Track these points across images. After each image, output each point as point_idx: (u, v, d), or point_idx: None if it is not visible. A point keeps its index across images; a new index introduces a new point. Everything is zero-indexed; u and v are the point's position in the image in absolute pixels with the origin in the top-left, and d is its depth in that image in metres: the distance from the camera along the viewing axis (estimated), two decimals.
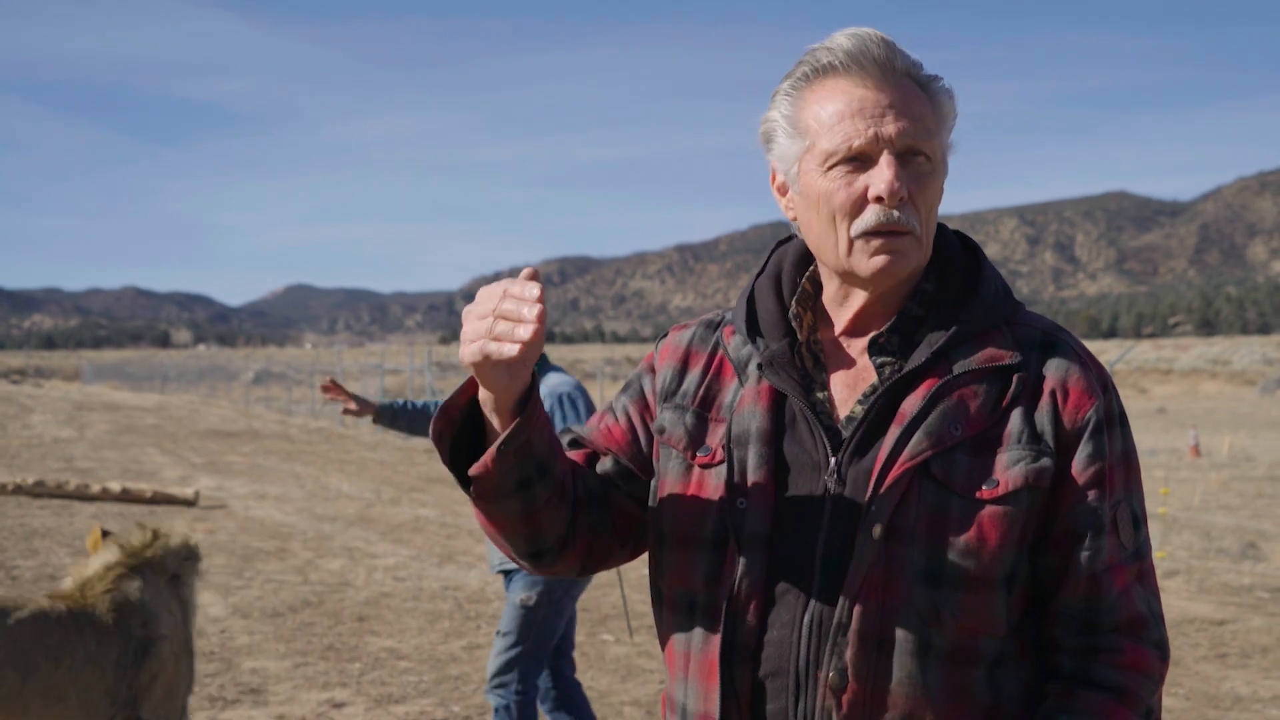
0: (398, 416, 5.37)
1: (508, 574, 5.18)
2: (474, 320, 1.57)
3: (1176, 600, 9.89)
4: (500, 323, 1.55)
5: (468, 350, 1.57)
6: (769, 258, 1.89)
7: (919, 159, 1.68)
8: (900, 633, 1.63)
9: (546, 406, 5.12)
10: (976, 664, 1.64)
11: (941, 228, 1.83)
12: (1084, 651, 1.66)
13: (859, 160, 1.67)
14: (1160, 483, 14.85)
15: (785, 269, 1.85)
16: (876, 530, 1.63)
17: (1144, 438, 27.99)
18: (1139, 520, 1.71)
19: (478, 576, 10.61)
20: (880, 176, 1.65)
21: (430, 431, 1.70)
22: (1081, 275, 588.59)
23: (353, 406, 5.24)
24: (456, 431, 1.71)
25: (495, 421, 1.66)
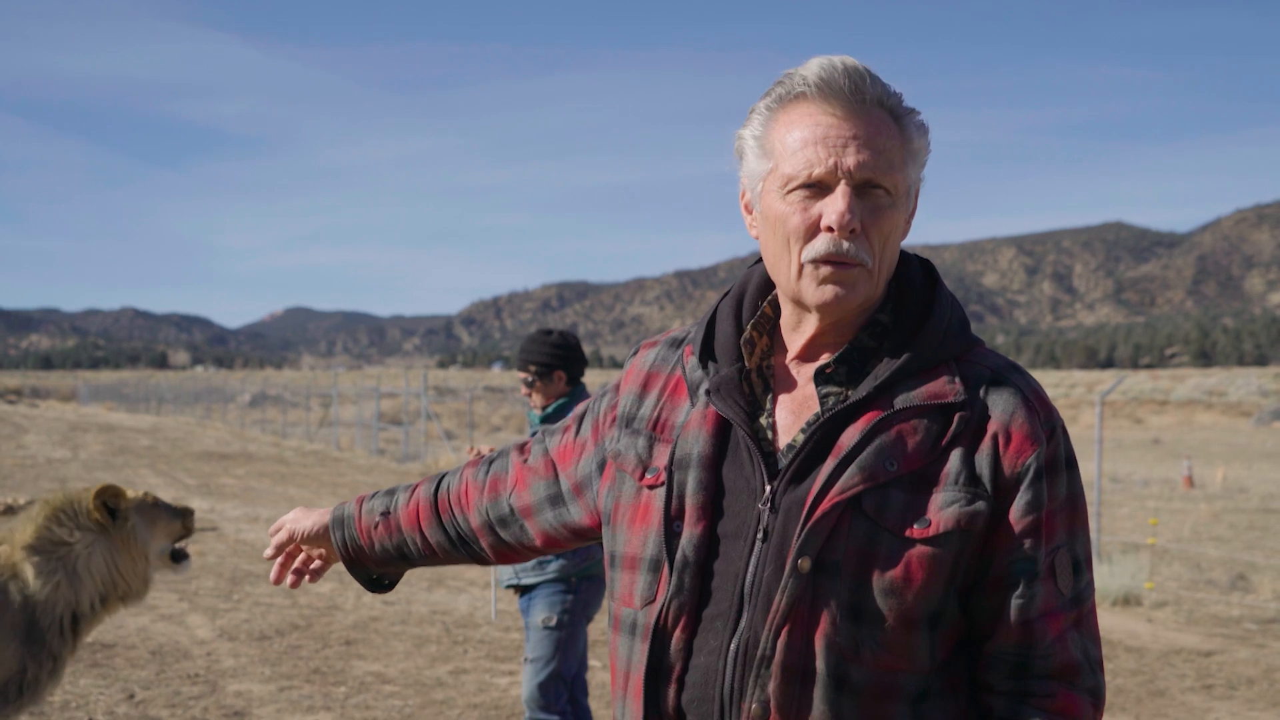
0: None
1: (522, 592, 5.17)
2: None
3: (1164, 631, 9.89)
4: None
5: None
6: (736, 281, 1.91)
7: (878, 192, 1.68)
8: (821, 666, 1.63)
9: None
10: (895, 699, 1.64)
11: (907, 259, 1.83)
12: (1015, 695, 1.67)
13: (817, 187, 1.68)
14: (1152, 513, 14.86)
15: (749, 292, 1.86)
16: (805, 563, 1.63)
17: (1137, 468, 27.96)
18: (1080, 565, 1.70)
19: (467, 601, 10.60)
20: (833, 207, 1.66)
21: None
22: (1079, 305, 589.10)
23: None
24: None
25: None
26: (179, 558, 4.73)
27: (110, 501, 4.48)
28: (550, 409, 5.31)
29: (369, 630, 9.36)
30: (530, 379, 5.30)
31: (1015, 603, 1.65)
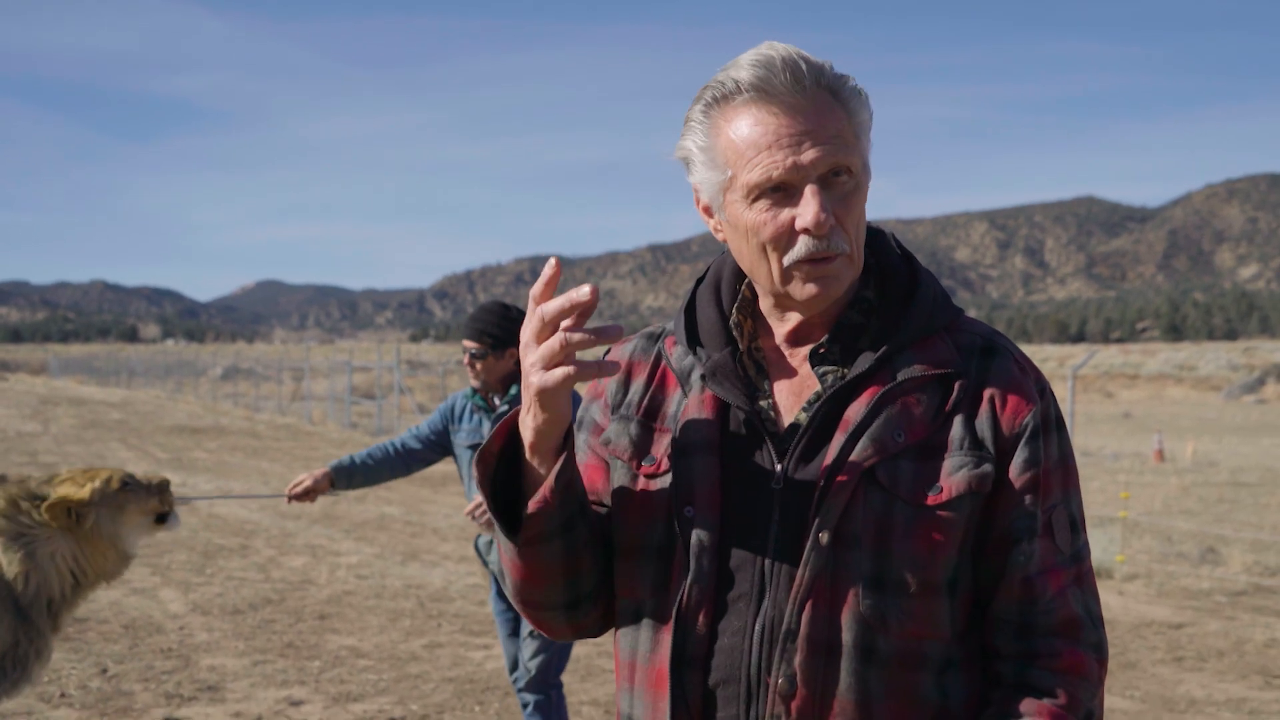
0: (354, 474, 5.16)
1: None
2: (543, 345, 1.56)
3: (1135, 604, 9.96)
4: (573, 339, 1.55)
5: (552, 375, 1.56)
6: (709, 267, 1.88)
7: (841, 178, 1.66)
8: (847, 638, 1.63)
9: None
10: (923, 669, 1.65)
11: (881, 234, 1.82)
12: (1022, 657, 1.67)
13: (782, 190, 1.66)
14: (1123, 487, 14.95)
15: (725, 277, 1.84)
16: (824, 537, 1.63)
17: (1108, 442, 28.16)
18: (1076, 524, 1.72)
19: (441, 575, 10.59)
20: (807, 210, 1.64)
21: (476, 478, 1.69)
22: (1051, 280, 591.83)
23: (310, 495, 5.07)
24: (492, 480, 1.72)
25: (538, 462, 1.67)
26: (163, 519, 4.62)
27: (68, 510, 4.30)
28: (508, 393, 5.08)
29: (343, 604, 9.34)
30: (481, 351, 5.00)
31: (1016, 560, 1.67)
